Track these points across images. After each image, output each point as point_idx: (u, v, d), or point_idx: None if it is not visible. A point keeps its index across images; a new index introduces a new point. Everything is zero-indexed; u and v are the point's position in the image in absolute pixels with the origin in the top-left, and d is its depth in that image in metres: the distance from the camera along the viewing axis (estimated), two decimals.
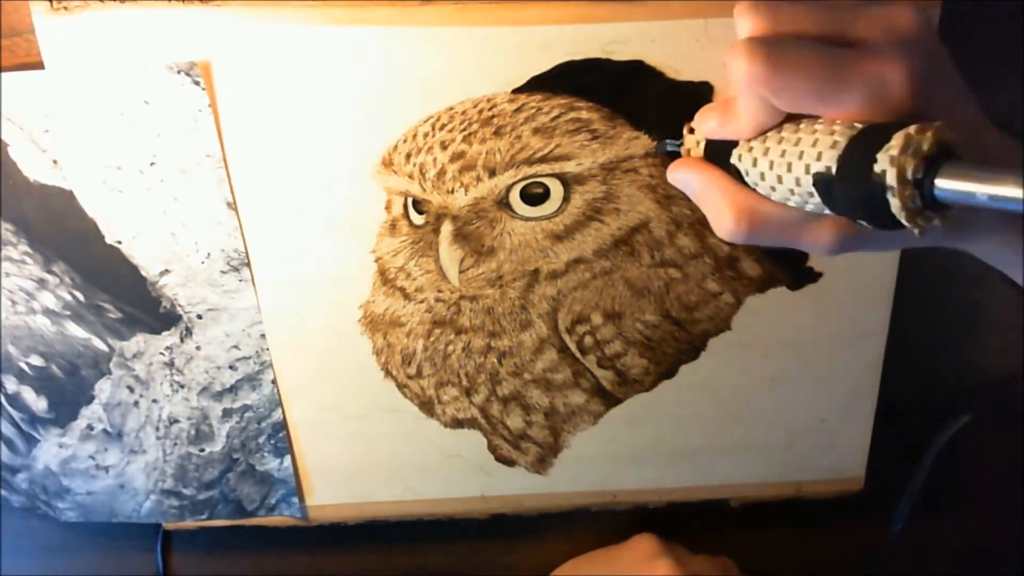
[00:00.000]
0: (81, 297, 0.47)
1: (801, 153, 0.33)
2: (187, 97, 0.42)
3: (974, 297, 0.53)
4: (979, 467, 0.57)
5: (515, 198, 0.45)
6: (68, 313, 0.47)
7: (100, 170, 0.44)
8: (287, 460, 0.51)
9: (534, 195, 0.45)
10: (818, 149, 0.32)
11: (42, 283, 0.47)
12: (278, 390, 0.49)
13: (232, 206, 0.45)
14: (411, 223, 0.46)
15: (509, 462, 0.52)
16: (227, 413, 0.50)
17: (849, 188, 0.31)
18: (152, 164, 0.43)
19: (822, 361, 0.50)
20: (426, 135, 0.44)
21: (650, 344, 0.49)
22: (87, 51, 0.42)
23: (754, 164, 0.36)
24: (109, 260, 0.46)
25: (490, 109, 0.43)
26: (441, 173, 0.44)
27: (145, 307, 0.47)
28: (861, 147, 0.31)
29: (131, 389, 0.49)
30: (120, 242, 0.46)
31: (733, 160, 0.37)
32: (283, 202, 0.45)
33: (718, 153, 0.38)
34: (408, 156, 0.44)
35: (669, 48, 0.42)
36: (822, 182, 0.32)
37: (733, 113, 0.36)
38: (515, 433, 0.51)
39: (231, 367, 0.49)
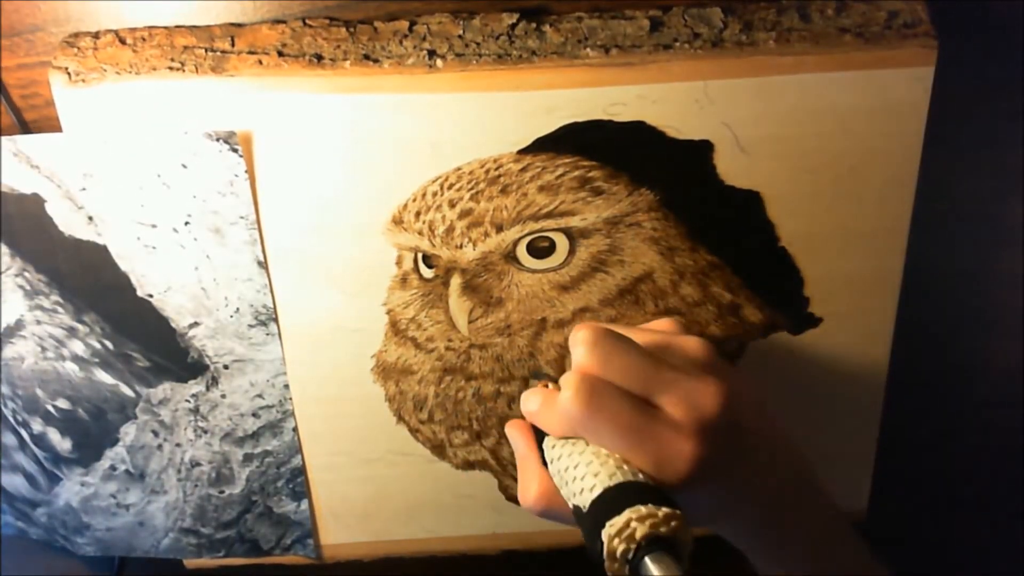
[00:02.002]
0: (110, 346, 0.49)
1: (575, 478, 0.36)
2: (225, 163, 0.44)
3: (973, 299, 0.54)
4: (979, 467, 0.58)
5: (522, 252, 0.47)
6: (97, 360, 0.49)
7: (135, 227, 0.45)
8: (304, 503, 0.53)
9: (540, 248, 0.47)
10: (584, 485, 0.35)
11: (72, 331, 0.48)
12: (298, 437, 0.51)
13: (263, 265, 0.46)
14: (421, 277, 0.47)
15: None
16: (248, 458, 0.51)
17: (585, 534, 0.34)
18: (187, 223, 0.45)
19: (824, 401, 0.51)
20: (435, 194, 0.45)
21: None
22: (105, 120, 0.43)
23: (551, 462, 0.39)
24: (139, 312, 0.48)
25: (496, 169, 0.44)
26: (450, 230, 0.46)
27: (173, 357, 0.49)
28: (603, 506, 0.34)
29: (155, 433, 0.51)
30: (151, 295, 0.47)
31: (545, 444, 0.40)
32: (301, 259, 0.47)
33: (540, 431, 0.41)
34: (418, 214, 0.45)
35: (669, 109, 0.43)
36: (576, 512, 0.36)
37: (550, 410, 0.38)
38: None
39: (254, 415, 0.50)
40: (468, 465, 0.53)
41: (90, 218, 0.45)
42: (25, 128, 0.46)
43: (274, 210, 0.45)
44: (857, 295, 0.48)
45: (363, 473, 0.53)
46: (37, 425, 0.51)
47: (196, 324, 0.48)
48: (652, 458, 0.36)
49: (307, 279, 0.47)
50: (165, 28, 0.44)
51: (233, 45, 0.43)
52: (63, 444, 0.51)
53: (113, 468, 0.52)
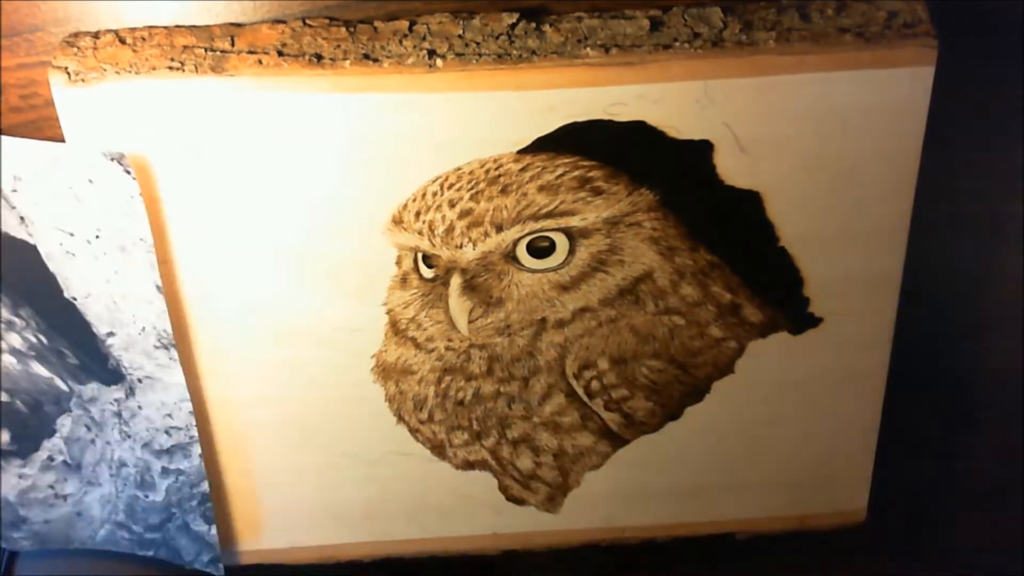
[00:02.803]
0: (45, 341, 0.49)
1: None
2: (120, 183, 0.43)
3: (973, 299, 0.54)
4: (979, 467, 0.58)
5: (522, 251, 0.47)
6: (33, 354, 0.49)
7: (56, 232, 0.46)
8: (213, 529, 0.53)
9: (540, 248, 0.47)
10: None
11: (10, 325, 0.49)
12: (205, 464, 0.51)
13: (160, 289, 0.46)
14: (421, 277, 0.47)
15: (519, 501, 0.54)
16: (165, 471, 0.52)
17: None
18: (97, 237, 0.45)
19: (823, 401, 0.51)
20: (435, 194, 0.45)
21: (655, 388, 0.50)
22: (107, 122, 0.43)
23: None
24: (67, 312, 0.48)
25: (496, 169, 0.44)
26: (450, 229, 0.46)
27: (97, 360, 0.49)
28: None
29: (88, 428, 0.52)
30: (75, 298, 0.47)
31: None
32: (301, 259, 0.47)
33: None
34: (417, 214, 0.45)
35: (669, 109, 0.43)
36: None
37: None
38: (525, 474, 0.53)
39: (167, 432, 0.50)
40: (468, 465, 0.53)
41: (22, 218, 0.46)
42: None
43: (273, 210, 0.45)
44: (857, 295, 0.48)
45: (363, 473, 0.53)
46: None
47: (112, 334, 0.48)
48: None
49: (307, 279, 0.47)
50: (165, 28, 0.44)
51: (233, 45, 0.43)
52: (1, 436, 0.52)
53: (51, 459, 0.52)
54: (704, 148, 0.44)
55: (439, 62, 0.42)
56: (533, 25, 0.43)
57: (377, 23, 0.43)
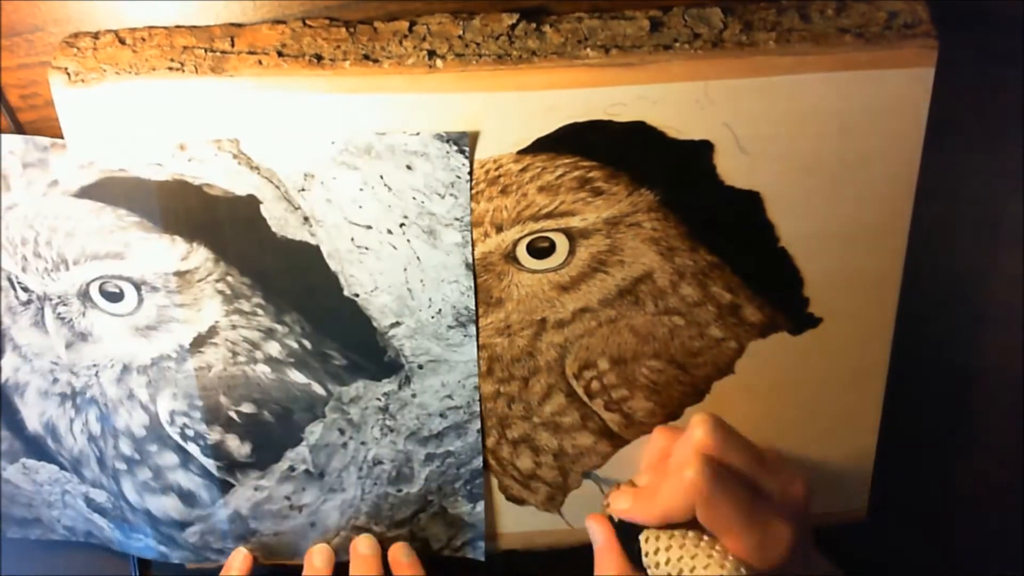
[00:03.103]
0: (308, 345, 0.48)
1: (693, 568, 0.41)
2: (450, 164, 0.44)
3: (973, 299, 0.54)
4: (979, 467, 0.58)
5: (522, 252, 0.47)
6: (292, 361, 0.49)
7: (349, 228, 0.45)
8: (480, 505, 0.53)
9: (540, 249, 0.47)
10: (707, 574, 0.41)
11: (270, 333, 0.48)
12: (482, 439, 0.51)
13: (470, 267, 0.46)
14: None
15: (519, 501, 0.54)
16: (430, 458, 0.51)
17: None
18: (402, 225, 0.45)
19: (823, 401, 0.51)
20: None
21: (655, 388, 0.50)
22: (107, 123, 0.43)
23: (655, 552, 0.43)
24: (343, 311, 0.47)
25: (496, 170, 0.44)
26: None
27: (371, 356, 0.49)
28: None
29: (342, 431, 0.51)
30: (357, 295, 0.47)
31: (641, 537, 0.45)
32: None
33: (630, 525, 0.46)
34: None
35: (669, 109, 0.43)
36: None
37: (649, 501, 0.44)
38: (525, 474, 0.53)
39: (441, 415, 0.50)
40: None
41: (306, 219, 0.45)
42: (20, 129, 0.46)
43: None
44: (857, 295, 0.48)
45: None
46: (215, 434, 0.50)
47: (397, 324, 0.48)
48: (758, 539, 0.41)
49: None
50: (165, 28, 0.44)
51: (233, 45, 0.43)
52: (242, 449, 0.50)
53: (292, 469, 0.51)
54: (704, 148, 0.44)
55: (439, 63, 0.42)
56: (533, 26, 0.43)
57: (377, 24, 0.43)
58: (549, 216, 0.46)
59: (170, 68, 0.43)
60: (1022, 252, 0.53)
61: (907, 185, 0.46)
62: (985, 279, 0.53)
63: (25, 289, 0.48)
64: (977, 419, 0.57)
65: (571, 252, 0.47)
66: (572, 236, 0.46)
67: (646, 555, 0.44)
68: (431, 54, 0.42)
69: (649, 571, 0.44)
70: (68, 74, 0.43)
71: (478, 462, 0.52)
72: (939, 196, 0.48)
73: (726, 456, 0.42)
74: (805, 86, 0.43)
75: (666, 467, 0.46)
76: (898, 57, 0.42)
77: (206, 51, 0.43)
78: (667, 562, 0.43)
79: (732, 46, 0.42)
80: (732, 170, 0.45)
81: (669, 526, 0.44)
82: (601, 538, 0.47)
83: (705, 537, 0.43)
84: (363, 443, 0.51)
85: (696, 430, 0.43)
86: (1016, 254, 0.53)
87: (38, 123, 0.46)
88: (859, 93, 0.43)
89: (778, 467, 0.44)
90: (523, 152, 0.44)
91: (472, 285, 0.47)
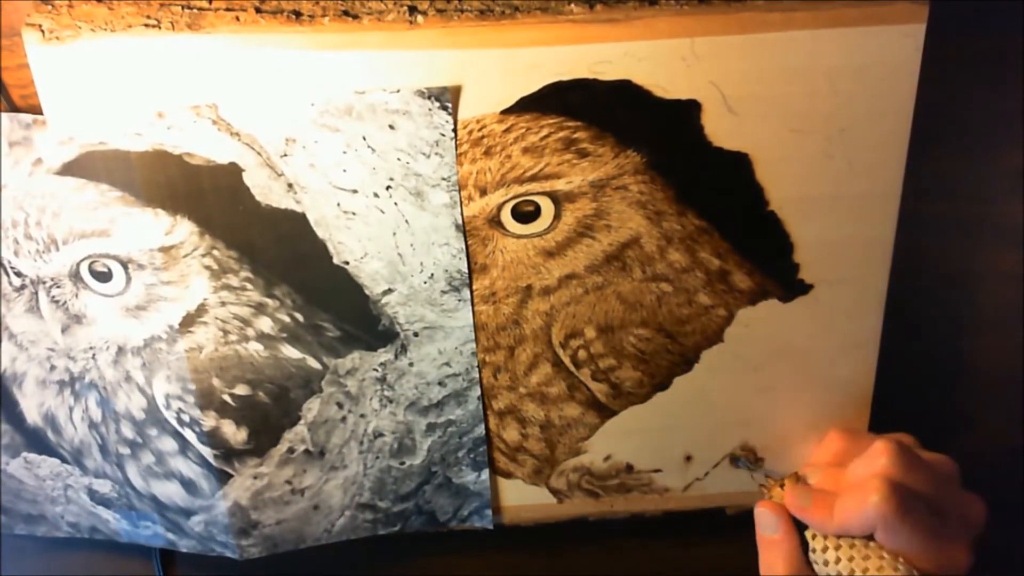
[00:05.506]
0: (301, 318, 0.47)
1: (866, 568, 0.42)
2: (433, 121, 0.43)
3: (973, 299, 0.53)
4: (978, 467, 0.57)
5: (506, 216, 0.46)
6: (284, 335, 0.48)
7: (335, 193, 0.44)
8: (485, 473, 0.52)
9: (525, 213, 0.46)
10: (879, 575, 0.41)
11: (260, 308, 0.47)
12: (483, 406, 0.50)
13: (460, 228, 0.45)
14: None
15: (506, 474, 0.53)
16: (431, 428, 0.51)
17: None
18: (388, 188, 0.44)
19: (814, 371, 0.50)
20: None
21: (643, 357, 0.49)
22: (82, 81, 0.42)
23: (824, 551, 0.44)
24: (334, 280, 0.47)
25: (480, 130, 0.44)
26: None
27: (364, 325, 0.48)
28: None
29: (340, 405, 0.50)
30: (347, 263, 0.46)
31: (807, 533, 0.45)
32: None
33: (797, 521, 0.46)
34: None
35: (656, 67, 0.42)
36: None
37: (826, 512, 0.44)
38: (511, 446, 0.52)
39: (440, 383, 0.49)
40: None
41: (290, 185, 0.44)
42: None
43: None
44: (848, 261, 0.47)
45: None
46: (210, 420, 0.49)
47: (390, 291, 0.47)
48: (936, 563, 0.42)
49: None
50: None
51: (210, 2, 0.42)
52: (238, 436, 0.49)
53: (291, 451, 0.50)
54: (692, 108, 0.43)
55: (420, 18, 0.41)
56: None
57: None
58: (534, 179, 0.45)
59: (146, 25, 0.42)
60: (1022, 252, 0.52)
61: (899, 146, 0.45)
62: (984, 279, 0.53)
63: (19, 274, 0.47)
64: (977, 419, 0.56)
65: (556, 216, 0.46)
66: (557, 200, 0.46)
67: (813, 551, 0.45)
68: (412, 10, 0.42)
69: (816, 567, 0.45)
70: (43, 31, 0.42)
71: (480, 430, 0.51)
72: (939, 196, 0.48)
73: (910, 481, 0.42)
74: (794, 43, 0.42)
75: (842, 477, 0.46)
76: (888, 13, 0.42)
77: (183, 8, 0.42)
78: (836, 561, 0.43)
79: (719, 2, 0.42)
80: (720, 131, 0.44)
81: None
82: (779, 529, 0.47)
83: (871, 545, 0.43)
84: (362, 415, 0.50)
85: (881, 458, 0.43)
86: (1016, 254, 0.52)
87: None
88: (849, 50, 0.42)
89: (957, 487, 0.44)
90: (507, 112, 0.43)
91: (463, 247, 0.46)
